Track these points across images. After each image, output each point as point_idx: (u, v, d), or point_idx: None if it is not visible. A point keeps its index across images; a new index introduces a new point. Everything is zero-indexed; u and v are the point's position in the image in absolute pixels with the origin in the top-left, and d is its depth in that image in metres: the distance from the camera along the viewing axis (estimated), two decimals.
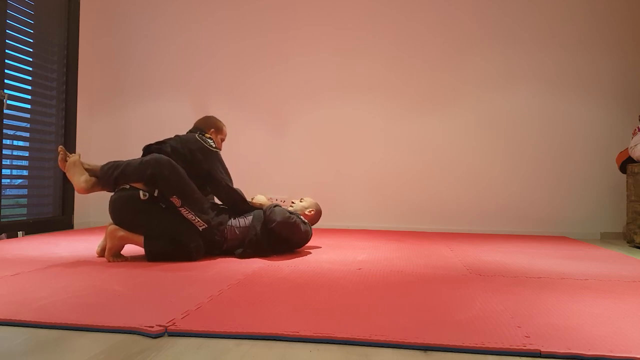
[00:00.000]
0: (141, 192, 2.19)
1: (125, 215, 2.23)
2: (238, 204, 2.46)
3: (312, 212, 2.77)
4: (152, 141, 2.48)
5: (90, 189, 2.20)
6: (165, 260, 2.21)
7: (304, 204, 2.78)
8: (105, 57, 4.32)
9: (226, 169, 2.47)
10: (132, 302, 1.43)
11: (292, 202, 2.82)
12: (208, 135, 2.48)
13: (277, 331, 1.16)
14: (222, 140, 2.70)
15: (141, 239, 2.22)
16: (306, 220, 2.58)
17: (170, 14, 4.31)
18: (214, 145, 2.41)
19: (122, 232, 2.21)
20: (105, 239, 2.26)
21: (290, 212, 2.41)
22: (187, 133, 2.53)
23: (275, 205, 2.41)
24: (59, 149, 2.22)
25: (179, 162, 2.28)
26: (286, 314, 1.32)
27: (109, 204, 2.26)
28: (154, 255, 2.21)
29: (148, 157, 2.22)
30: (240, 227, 2.38)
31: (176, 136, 2.46)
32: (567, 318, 1.32)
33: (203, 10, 4.27)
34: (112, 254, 2.20)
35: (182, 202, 2.22)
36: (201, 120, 2.67)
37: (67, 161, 2.22)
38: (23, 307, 1.35)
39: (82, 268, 2.00)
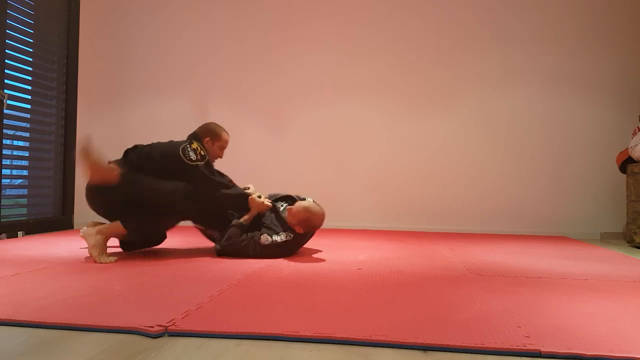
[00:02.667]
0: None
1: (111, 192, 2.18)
2: (236, 200, 2.44)
3: (300, 215, 2.38)
4: (152, 140, 2.48)
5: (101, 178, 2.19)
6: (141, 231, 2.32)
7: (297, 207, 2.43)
8: (105, 57, 4.32)
9: (211, 175, 2.33)
10: (132, 302, 1.43)
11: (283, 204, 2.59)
12: (194, 146, 2.32)
13: (277, 331, 1.16)
14: (221, 147, 2.53)
15: (118, 225, 2.20)
16: (285, 239, 2.37)
17: (170, 14, 4.31)
18: (193, 159, 2.27)
19: (97, 227, 2.21)
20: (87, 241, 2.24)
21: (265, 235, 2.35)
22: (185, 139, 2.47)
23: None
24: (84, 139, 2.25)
25: (152, 170, 2.24)
26: (286, 314, 1.32)
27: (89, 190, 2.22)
28: (133, 227, 2.23)
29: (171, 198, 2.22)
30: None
31: (157, 143, 2.38)
32: (567, 318, 1.32)
33: (203, 10, 4.27)
34: (99, 253, 2.15)
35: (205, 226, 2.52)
36: (200, 127, 2.54)
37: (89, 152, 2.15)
38: (23, 307, 1.35)
39: (82, 268, 2.00)
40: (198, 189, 2.29)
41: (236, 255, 2.33)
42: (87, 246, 2.28)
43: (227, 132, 2.57)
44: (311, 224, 2.38)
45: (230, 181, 2.48)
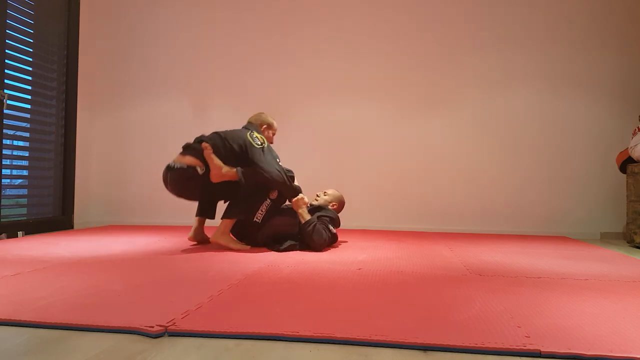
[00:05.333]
0: (199, 168, 2.57)
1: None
2: (285, 189, 2.68)
3: (335, 206, 3.00)
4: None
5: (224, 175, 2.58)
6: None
7: (327, 197, 3.00)
8: (105, 57, 4.32)
9: (272, 159, 2.65)
10: (132, 302, 1.43)
11: (317, 196, 3.03)
12: (257, 135, 2.72)
13: (277, 331, 1.16)
14: (273, 134, 2.99)
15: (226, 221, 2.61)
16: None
17: (170, 14, 4.31)
18: (259, 143, 2.68)
19: (219, 232, 2.63)
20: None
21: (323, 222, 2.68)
22: (241, 128, 2.83)
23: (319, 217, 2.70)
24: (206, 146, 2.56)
25: (229, 153, 2.63)
26: (286, 314, 1.32)
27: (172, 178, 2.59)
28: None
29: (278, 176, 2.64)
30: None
31: (227, 132, 2.73)
32: (567, 318, 1.32)
33: (203, 11, 4.27)
34: (229, 242, 2.62)
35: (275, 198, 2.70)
36: (254, 116, 2.96)
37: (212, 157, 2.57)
38: (23, 307, 1.35)
39: (82, 268, 2.00)
40: (261, 166, 2.60)
41: (318, 247, 2.60)
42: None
43: (275, 121, 3.02)
44: (343, 202, 3.08)
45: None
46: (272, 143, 2.96)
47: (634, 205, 3.22)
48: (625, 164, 3.41)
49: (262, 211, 2.66)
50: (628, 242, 3.28)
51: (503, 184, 3.90)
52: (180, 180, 2.57)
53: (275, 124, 2.99)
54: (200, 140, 2.65)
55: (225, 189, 2.67)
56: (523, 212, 3.87)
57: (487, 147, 3.94)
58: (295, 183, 2.80)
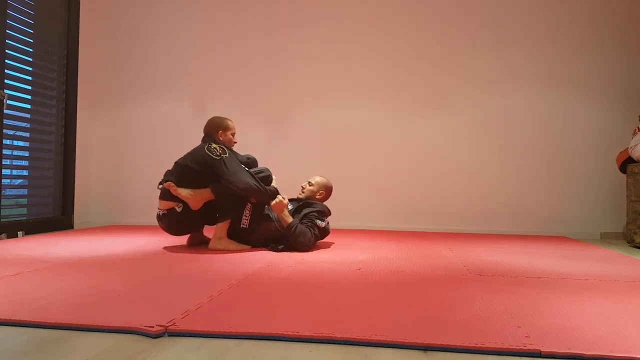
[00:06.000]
0: (176, 207, 2.59)
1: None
2: (258, 196, 2.62)
3: (323, 194, 2.95)
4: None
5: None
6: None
7: (313, 188, 2.93)
8: (105, 57, 4.32)
9: (236, 167, 2.60)
10: (132, 302, 1.43)
11: (302, 188, 2.97)
12: (214, 146, 2.64)
13: (277, 331, 1.16)
14: (233, 134, 2.87)
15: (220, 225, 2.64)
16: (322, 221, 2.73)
17: (170, 14, 4.31)
18: (217, 154, 2.60)
19: (216, 237, 2.65)
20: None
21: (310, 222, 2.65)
22: (200, 143, 2.76)
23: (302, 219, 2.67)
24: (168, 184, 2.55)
25: (196, 176, 2.59)
26: (286, 314, 1.32)
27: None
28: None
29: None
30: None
31: (186, 155, 2.68)
32: (567, 318, 1.32)
33: (203, 11, 4.27)
34: (228, 245, 2.65)
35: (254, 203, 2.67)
36: (207, 125, 2.83)
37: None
38: (23, 307, 1.35)
39: (82, 268, 2.00)
40: (226, 178, 2.54)
41: (304, 247, 2.58)
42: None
43: (230, 120, 2.88)
44: (330, 188, 3.00)
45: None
46: (235, 143, 2.88)
47: (634, 205, 3.22)
48: (625, 164, 3.41)
49: (246, 216, 2.66)
50: (628, 242, 3.28)
51: (503, 184, 3.90)
52: (169, 224, 2.65)
53: (230, 124, 2.85)
54: (165, 180, 2.63)
55: (212, 207, 2.66)
56: (523, 212, 3.87)
57: (487, 147, 3.93)
58: (274, 184, 2.73)
